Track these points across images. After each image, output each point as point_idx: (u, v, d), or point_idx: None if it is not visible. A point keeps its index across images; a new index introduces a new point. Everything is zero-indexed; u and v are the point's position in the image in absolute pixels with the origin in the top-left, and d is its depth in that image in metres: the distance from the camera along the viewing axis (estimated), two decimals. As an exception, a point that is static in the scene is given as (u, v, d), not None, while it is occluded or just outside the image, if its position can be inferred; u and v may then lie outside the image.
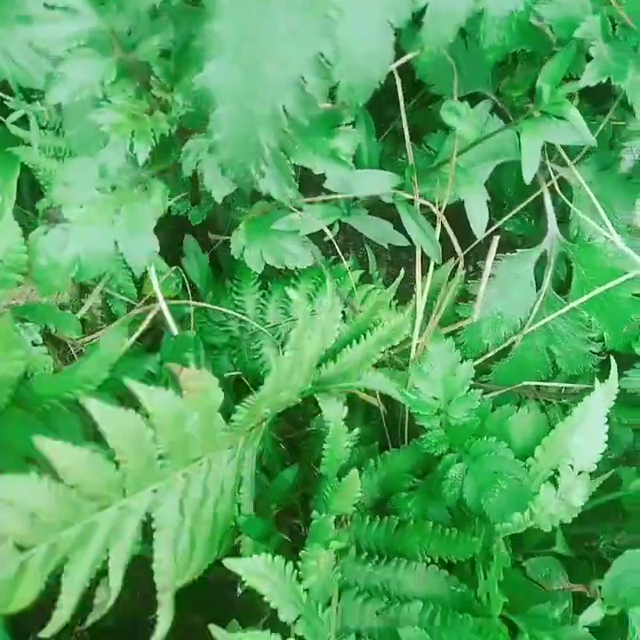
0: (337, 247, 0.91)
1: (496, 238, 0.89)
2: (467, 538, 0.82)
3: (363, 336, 0.90)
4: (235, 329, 1.08)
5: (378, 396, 1.02)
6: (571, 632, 0.83)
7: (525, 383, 1.01)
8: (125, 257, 0.74)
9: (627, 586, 0.80)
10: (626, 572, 0.81)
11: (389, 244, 0.98)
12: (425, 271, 0.91)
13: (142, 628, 0.99)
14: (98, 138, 0.80)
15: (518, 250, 0.93)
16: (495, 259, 0.91)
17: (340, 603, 0.82)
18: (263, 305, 1.06)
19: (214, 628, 0.65)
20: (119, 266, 1.00)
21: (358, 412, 1.08)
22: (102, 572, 0.65)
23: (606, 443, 0.86)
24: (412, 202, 0.86)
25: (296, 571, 0.75)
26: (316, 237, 1.04)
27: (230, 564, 0.67)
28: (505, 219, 0.91)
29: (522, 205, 0.92)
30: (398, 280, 0.91)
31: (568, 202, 0.92)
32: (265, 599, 0.69)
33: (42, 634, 0.62)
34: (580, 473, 0.80)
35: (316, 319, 0.82)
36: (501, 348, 0.99)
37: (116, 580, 0.64)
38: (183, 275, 1.07)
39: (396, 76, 0.81)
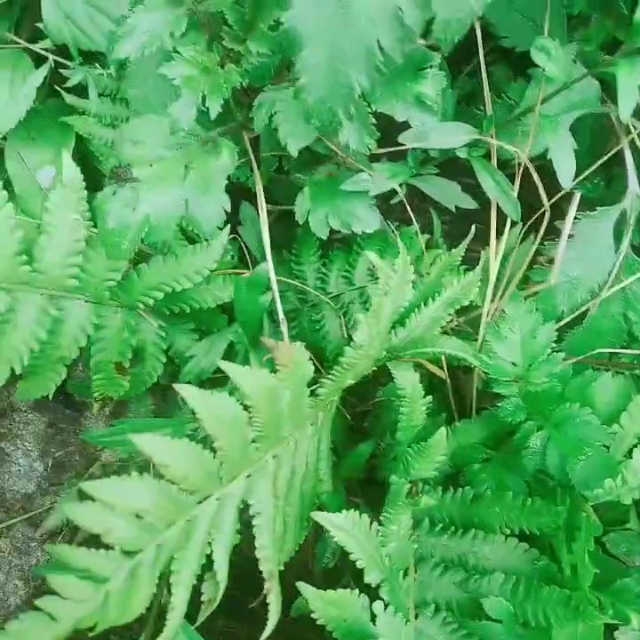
0: (409, 209, 0.87)
1: (577, 194, 0.85)
2: (551, 508, 0.78)
3: (431, 299, 0.87)
4: (294, 300, 1.05)
5: (445, 368, 0.99)
6: (659, 607, 0.80)
7: (599, 351, 0.96)
8: (196, 216, 0.72)
9: None
10: None
11: (456, 207, 0.95)
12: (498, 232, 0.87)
13: (242, 612, 0.97)
14: (163, 95, 0.78)
15: (598, 208, 0.89)
16: (574, 217, 0.87)
17: (417, 574, 0.80)
18: (324, 274, 1.03)
19: (302, 586, 0.63)
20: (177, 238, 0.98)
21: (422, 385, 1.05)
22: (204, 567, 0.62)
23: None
24: (488, 156, 0.82)
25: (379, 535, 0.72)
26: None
27: (318, 517, 0.65)
28: (585, 173, 0.87)
29: (601, 161, 0.88)
30: (468, 239, 0.87)
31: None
32: (351, 557, 0.67)
33: (160, 638, 0.59)
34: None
35: (388, 283, 0.78)
36: (576, 314, 0.95)
37: (222, 573, 0.62)
38: (242, 244, 1.04)
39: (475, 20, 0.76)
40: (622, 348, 0.99)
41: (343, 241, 1.08)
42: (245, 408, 0.58)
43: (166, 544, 0.56)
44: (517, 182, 0.83)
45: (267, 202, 1.09)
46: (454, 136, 0.77)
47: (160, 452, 0.53)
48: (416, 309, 0.87)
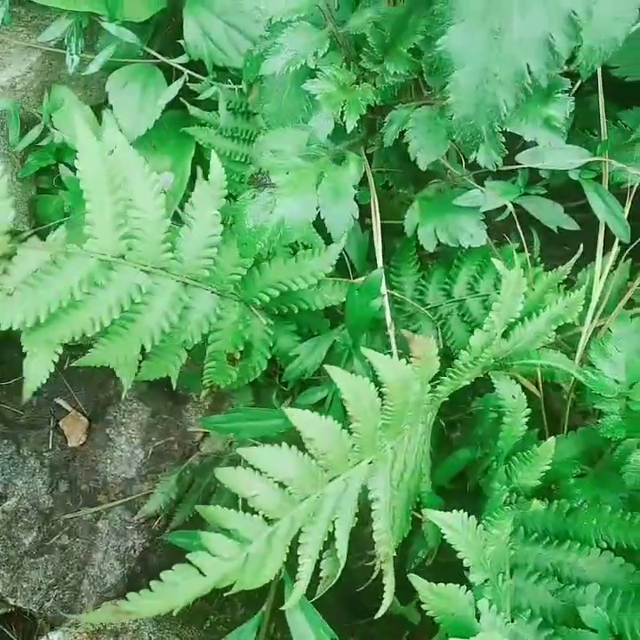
0: (517, 224, 0.91)
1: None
2: (651, 523, 0.80)
3: (535, 314, 0.90)
4: (392, 310, 1.09)
5: (540, 384, 1.01)
6: None
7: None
8: (326, 222, 0.77)
9: None
10: None
11: (559, 228, 0.98)
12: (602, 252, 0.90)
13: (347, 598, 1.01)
14: (294, 110, 0.84)
15: None
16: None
17: (512, 579, 0.82)
18: (423, 286, 1.07)
19: (414, 578, 0.66)
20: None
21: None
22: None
23: None
24: (599, 179, 0.85)
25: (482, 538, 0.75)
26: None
27: (431, 514, 0.68)
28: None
29: None
30: (574, 259, 0.90)
31: None
32: (459, 556, 0.69)
33: (285, 606, 0.65)
34: None
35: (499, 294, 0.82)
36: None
37: (342, 550, 0.66)
38: (343, 253, 1.09)
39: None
40: None
41: (435, 256, 1.12)
42: (380, 395, 0.62)
43: (298, 516, 0.60)
44: (628, 205, 0.86)
45: (367, 215, 1.15)
46: (570, 158, 0.81)
47: (309, 426, 0.58)
48: (520, 323, 0.90)
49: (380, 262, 0.90)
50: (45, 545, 1.15)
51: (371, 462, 0.66)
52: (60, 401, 1.21)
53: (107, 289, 0.76)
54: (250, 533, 0.57)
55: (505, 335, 0.91)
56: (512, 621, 0.78)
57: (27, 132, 1.05)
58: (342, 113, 0.74)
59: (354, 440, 0.62)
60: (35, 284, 0.72)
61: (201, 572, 0.56)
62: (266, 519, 0.58)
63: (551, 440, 0.78)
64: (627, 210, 0.86)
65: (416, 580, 0.67)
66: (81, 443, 1.18)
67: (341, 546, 0.65)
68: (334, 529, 0.64)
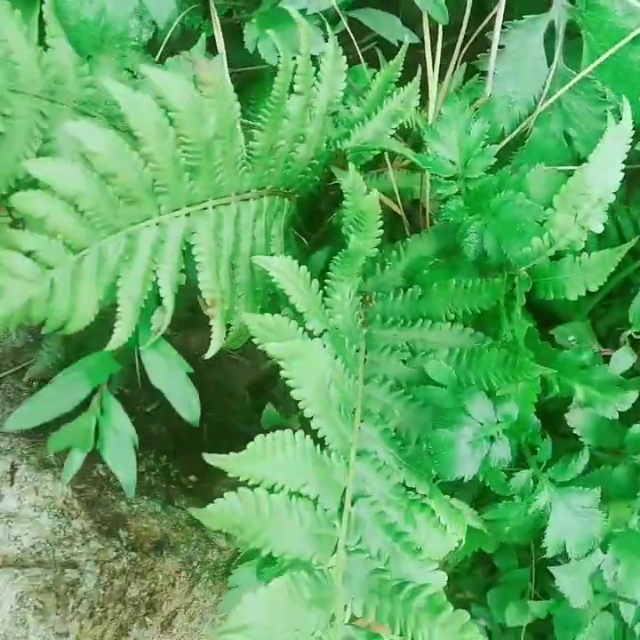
0: (353, 37, 0.93)
1: (502, 2, 0.89)
2: (490, 284, 0.83)
3: (374, 112, 0.92)
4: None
5: (399, 202, 1.04)
6: (600, 374, 0.84)
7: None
8: (149, 7, 0.77)
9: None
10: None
11: (399, 41, 1.00)
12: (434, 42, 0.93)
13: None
14: None
15: (525, 16, 0.93)
16: (503, 27, 0.91)
17: (366, 355, 0.84)
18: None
19: (246, 315, 0.67)
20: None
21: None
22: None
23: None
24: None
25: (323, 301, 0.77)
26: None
27: (257, 259, 0.69)
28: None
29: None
30: (403, 51, 0.92)
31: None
32: (290, 300, 0.71)
33: (107, 348, 0.64)
34: (599, 200, 0.80)
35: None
36: (518, 131, 0.99)
37: (167, 299, 0.67)
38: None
39: None
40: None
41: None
42: (171, 122, 0.62)
43: (109, 252, 0.61)
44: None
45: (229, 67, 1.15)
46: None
47: (88, 136, 0.56)
48: (359, 123, 0.93)
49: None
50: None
51: (188, 215, 0.67)
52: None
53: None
54: (52, 258, 0.57)
55: (347, 135, 0.93)
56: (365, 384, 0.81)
57: None
58: None
59: (154, 174, 0.62)
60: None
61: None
62: (69, 246, 0.58)
63: (373, 193, 0.80)
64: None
65: (247, 317, 0.66)
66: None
67: (166, 295, 0.66)
68: (157, 279, 0.66)
